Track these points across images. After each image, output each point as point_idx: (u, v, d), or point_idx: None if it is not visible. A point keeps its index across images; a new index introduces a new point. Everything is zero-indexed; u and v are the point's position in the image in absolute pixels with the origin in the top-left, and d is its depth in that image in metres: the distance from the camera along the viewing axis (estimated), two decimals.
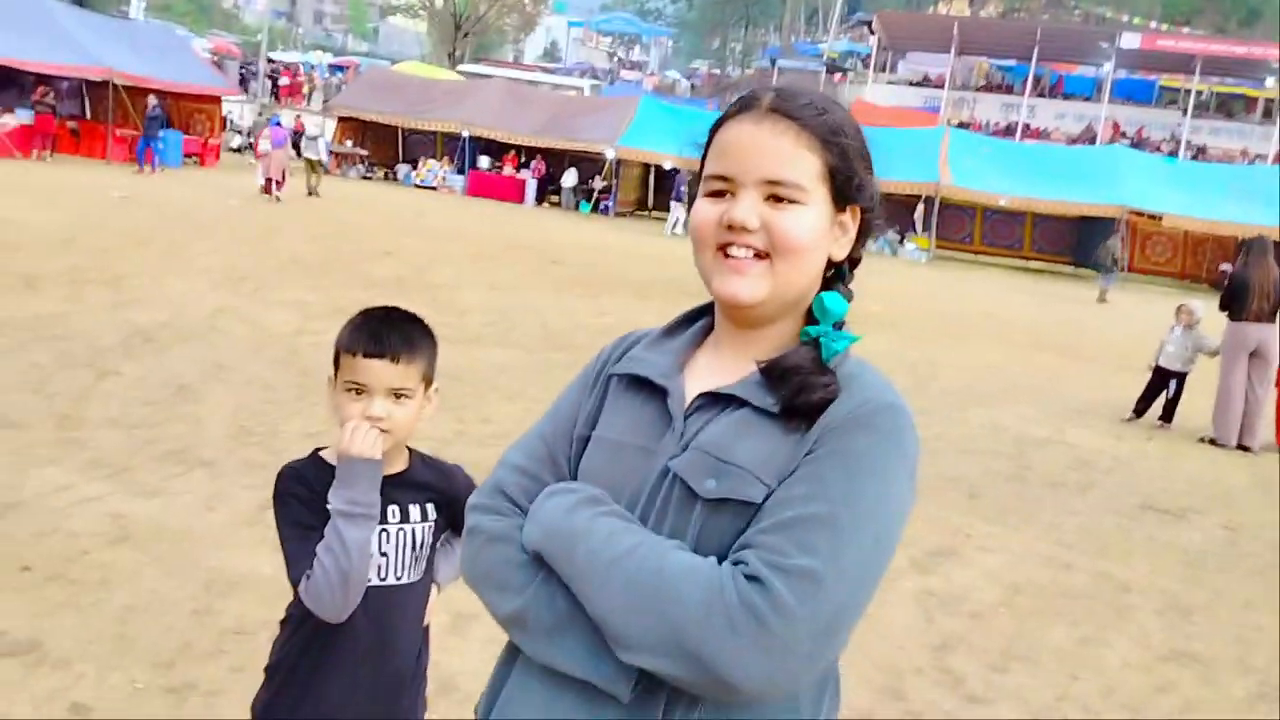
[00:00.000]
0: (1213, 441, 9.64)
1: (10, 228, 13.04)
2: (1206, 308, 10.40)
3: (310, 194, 23.19)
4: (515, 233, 21.52)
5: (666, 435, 1.37)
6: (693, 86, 67.44)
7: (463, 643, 3.86)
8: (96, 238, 13.23)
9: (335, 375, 2.04)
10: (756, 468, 1.30)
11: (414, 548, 2.08)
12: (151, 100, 23.77)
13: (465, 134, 30.58)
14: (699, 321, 1.52)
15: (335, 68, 54.03)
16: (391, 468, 2.07)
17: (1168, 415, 10.11)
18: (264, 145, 22.79)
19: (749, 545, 1.24)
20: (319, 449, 2.10)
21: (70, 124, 25.81)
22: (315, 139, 25.67)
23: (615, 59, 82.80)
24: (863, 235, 1.43)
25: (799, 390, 1.31)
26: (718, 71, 76.15)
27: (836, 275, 1.44)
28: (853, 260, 1.45)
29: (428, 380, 2.07)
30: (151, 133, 23.79)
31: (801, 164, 1.33)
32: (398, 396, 2.00)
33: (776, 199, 1.32)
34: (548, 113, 31.47)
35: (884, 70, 55.63)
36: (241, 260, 13.01)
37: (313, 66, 53.93)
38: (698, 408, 1.38)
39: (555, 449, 1.47)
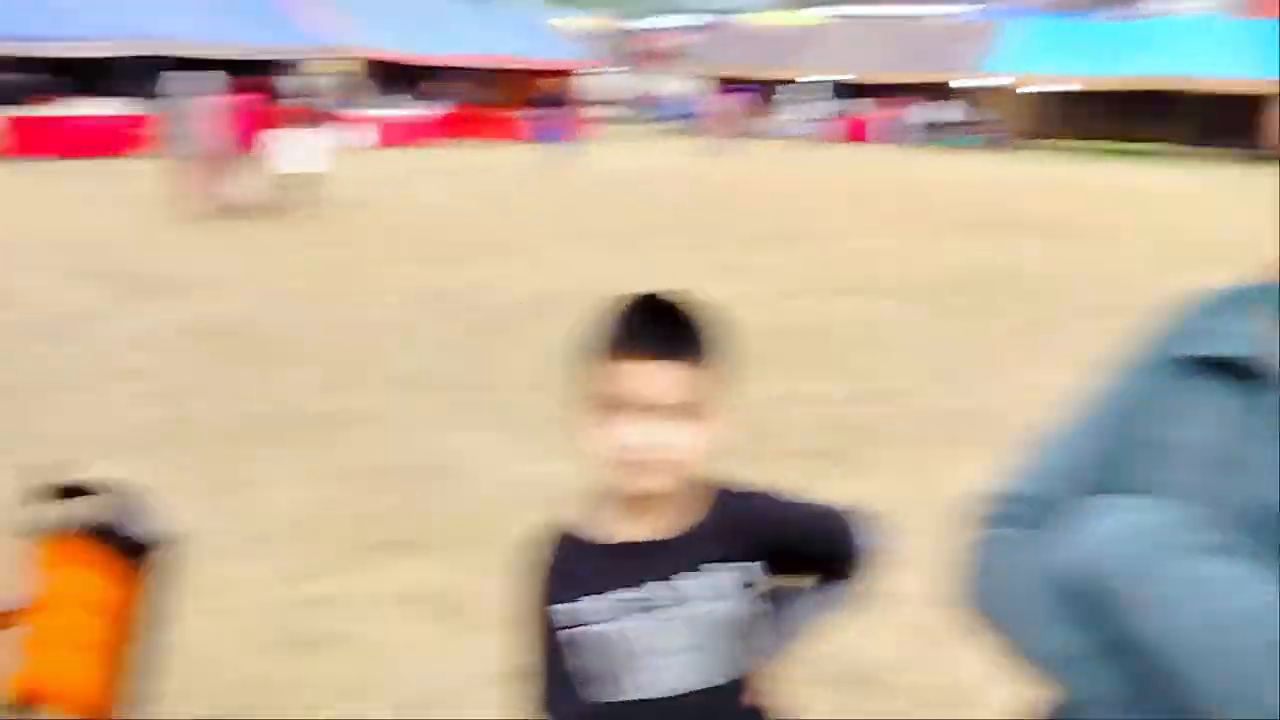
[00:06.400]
0: None
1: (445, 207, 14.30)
2: None
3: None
4: (916, 176, 20.77)
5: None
6: None
7: (878, 625, 2.88)
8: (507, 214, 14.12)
9: (587, 389, 1.36)
10: None
11: (710, 637, 1.36)
12: (550, 83, 25.53)
13: (830, 79, 30.07)
14: None
15: (689, 29, 54.81)
16: (670, 522, 1.38)
17: None
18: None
19: None
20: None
21: (479, 110, 28.57)
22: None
23: None
24: None
25: None
26: None
27: None
28: None
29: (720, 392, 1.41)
30: (550, 117, 23.28)
31: None
32: (685, 416, 1.32)
33: None
34: (919, 46, 30.16)
35: None
36: (620, 224, 13.38)
37: (670, 29, 55.09)
38: None
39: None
